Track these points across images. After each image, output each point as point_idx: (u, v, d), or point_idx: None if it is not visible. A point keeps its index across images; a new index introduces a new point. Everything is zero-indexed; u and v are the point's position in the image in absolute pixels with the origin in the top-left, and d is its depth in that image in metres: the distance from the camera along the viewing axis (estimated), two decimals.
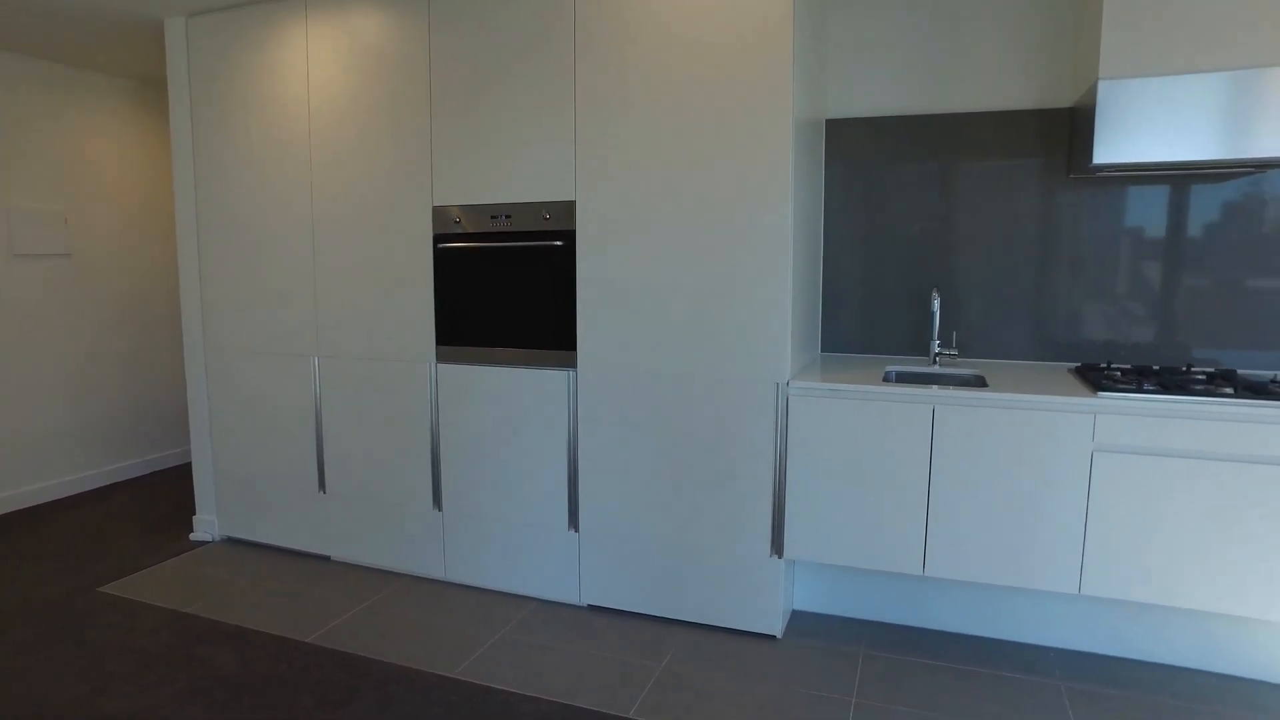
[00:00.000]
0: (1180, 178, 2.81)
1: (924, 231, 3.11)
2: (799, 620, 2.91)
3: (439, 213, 2.99)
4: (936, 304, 2.98)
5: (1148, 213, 2.87)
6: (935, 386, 2.56)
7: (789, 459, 2.69)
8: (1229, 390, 2.41)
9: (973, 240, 3.06)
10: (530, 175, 2.84)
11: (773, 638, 2.78)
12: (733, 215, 2.63)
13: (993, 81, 2.98)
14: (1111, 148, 2.47)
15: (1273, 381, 2.54)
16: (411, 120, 3.00)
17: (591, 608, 3.01)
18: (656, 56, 2.64)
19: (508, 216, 2.86)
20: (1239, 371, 2.79)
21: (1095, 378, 2.61)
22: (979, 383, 2.72)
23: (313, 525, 3.43)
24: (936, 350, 3.03)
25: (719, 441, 2.73)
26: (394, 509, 3.26)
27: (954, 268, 3.09)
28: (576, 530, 2.96)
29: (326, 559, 3.46)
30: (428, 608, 3.02)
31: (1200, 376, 2.63)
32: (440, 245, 2.98)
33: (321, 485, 3.38)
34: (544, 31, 2.76)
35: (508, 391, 2.98)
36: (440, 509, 3.16)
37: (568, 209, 2.79)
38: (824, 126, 3.15)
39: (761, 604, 2.77)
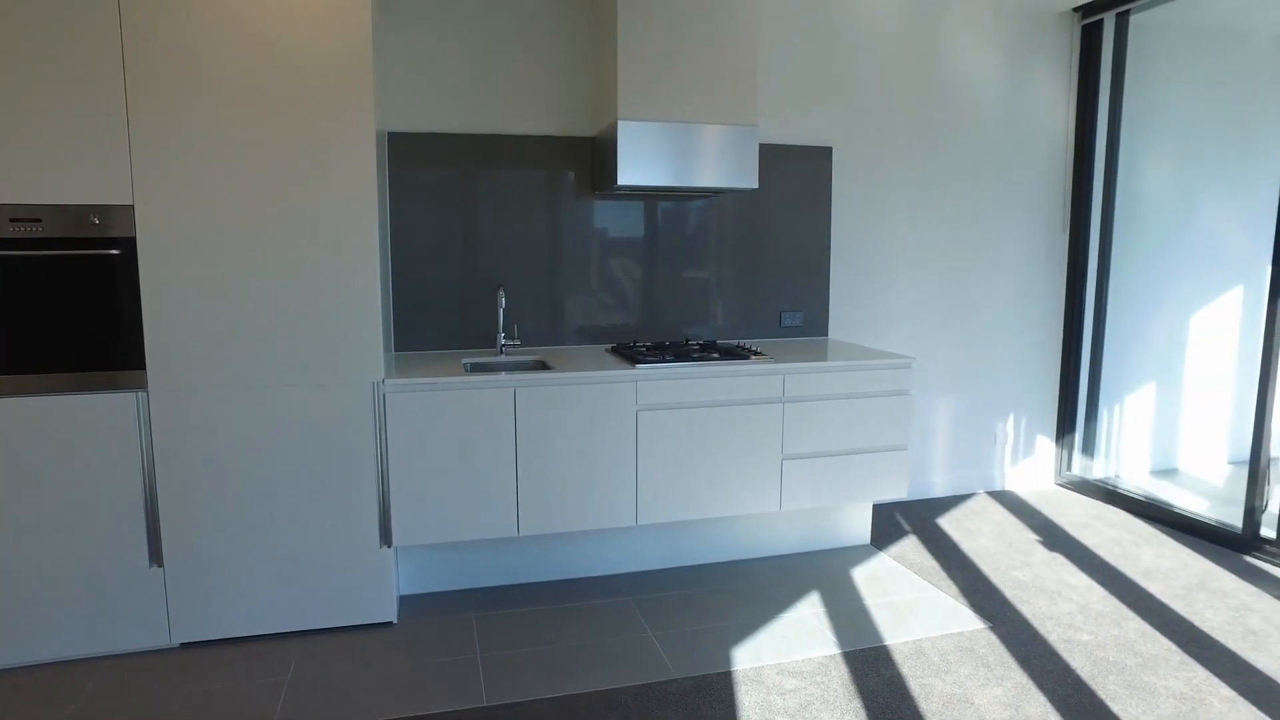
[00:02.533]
0: (673, 198, 3.69)
1: (482, 239, 3.51)
2: (410, 603, 3.08)
3: None
4: (502, 301, 3.41)
5: (647, 222, 3.69)
6: (504, 373, 2.98)
7: (390, 452, 2.85)
8: (715, 355, 3.31)
9: (522, 246, 3.56)
10: (68, 175, 2.46)
11: (390, 624, 2.91)
12: (320, 221, 2.67)
13: (529, 110, 3.51)
14: (630, 173, 3.17)
15: (739, 346, 3.53)
16: None
17: (187, 646, 2.75)
18: (230, 58, 2.53)
19: (37, 220, 2.45)
20: (718, 341, 3.78)
21: (631, 354, 3.31)
22: (542, 366, 3.22)
23: None
24: (503, 342, 3.46)
25: (321, 445, 2.76)
26: None
27: (510, 270, 3.55)
28: (161, 566, 2.68)
29: None
30: None
31: (696, 347, 3.52)
32: None
33: None
34: (87, 38, 2.42)
35: (52, 424, 2.54)
36: None
37: (124, 213, 2.50)
38: (387, 138, 3.33)
39: (376, 595, 2.88)
